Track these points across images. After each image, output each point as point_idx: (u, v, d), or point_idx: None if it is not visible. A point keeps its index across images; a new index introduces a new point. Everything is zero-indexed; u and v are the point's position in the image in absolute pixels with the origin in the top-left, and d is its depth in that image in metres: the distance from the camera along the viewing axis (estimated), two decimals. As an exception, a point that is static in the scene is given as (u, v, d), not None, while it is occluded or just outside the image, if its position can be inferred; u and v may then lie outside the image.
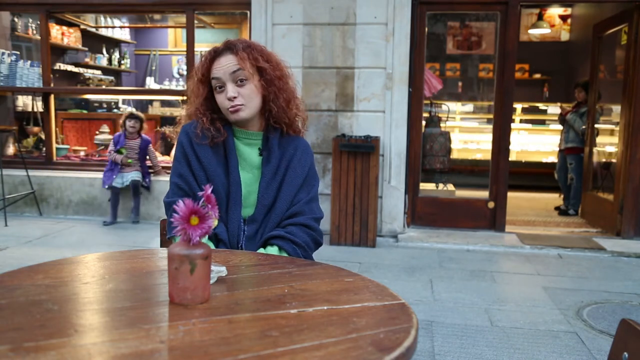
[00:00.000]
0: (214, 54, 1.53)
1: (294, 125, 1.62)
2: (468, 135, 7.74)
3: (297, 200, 1.57)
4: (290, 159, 1.59)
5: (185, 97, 1.67)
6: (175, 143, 1.63)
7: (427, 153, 5.18)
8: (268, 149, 1.58)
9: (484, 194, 5.00)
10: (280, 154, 1.58)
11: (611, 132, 5.49)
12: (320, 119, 4.70)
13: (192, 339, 0.81)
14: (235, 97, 1.49)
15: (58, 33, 6.78)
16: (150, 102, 7.63)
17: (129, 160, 5.04)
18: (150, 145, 5.29)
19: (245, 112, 1.52)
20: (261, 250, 1.51)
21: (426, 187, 5.30)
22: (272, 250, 1.50)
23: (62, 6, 5.62)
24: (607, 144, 5.50)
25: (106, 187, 5.02)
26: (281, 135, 1.61)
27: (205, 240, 1.10)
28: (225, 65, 1.50)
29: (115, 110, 6.69)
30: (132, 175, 5.02)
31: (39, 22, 5.74)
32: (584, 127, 5.65)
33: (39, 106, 5.75)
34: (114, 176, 4.99)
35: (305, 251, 1.54)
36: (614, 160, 5.10)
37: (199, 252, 0.95)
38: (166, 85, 8.12)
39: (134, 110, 5.26)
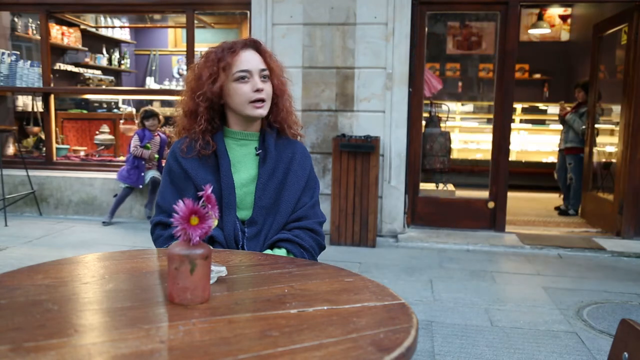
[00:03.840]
0: (242, 47, 1.53)
1: (293, 128, 1.65)
2: (468, 135, 7.74)
3: (302, 204, 1.58)
4: (289, 162, 1.59)
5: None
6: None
7: (427, 153, 5.18)
8: (265, 148, 1.58)
9: (484, 194, 5.00)
10: (277, 155, 1.58)
11: (611, 132, 5.49)
12: (320, 119, 4.70)
13: (192, 339, 0.81)
14: (262, 90, 1.51)
15: (58, 33, 6.78)
16: (150, 102, 7.63)
17: (156, 156, 5.03)
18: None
19: (265, 109, 1.54)
20: (267, 252, 1.51)
21: (426, 187, 5.30)
22: (280, 252, 1.50)
23: (62, 6, 5.62)
24: (607, 144, 5.50)
25: (125, 185, 4.96)
26: (278, 136, 1.62)
27: None
28: (253, 60, 1.52)
29: (115, 110, 6.69)
30: (152, 173, 5.02)
31: (39, 22, 5.74)
32: (583, 127, 5.65)
33: (39, 106, 5.75)
34: (142, 177, 4.97)
35: (312, 255, 1.55)
36: (614, 160, 5.10)
37: (199, 252, 0.95)
38: (166, 85, 8.12)
39: (147, 107, 5.17)
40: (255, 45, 1.56)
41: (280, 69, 1.60)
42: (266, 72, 1.54)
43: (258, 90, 1.50)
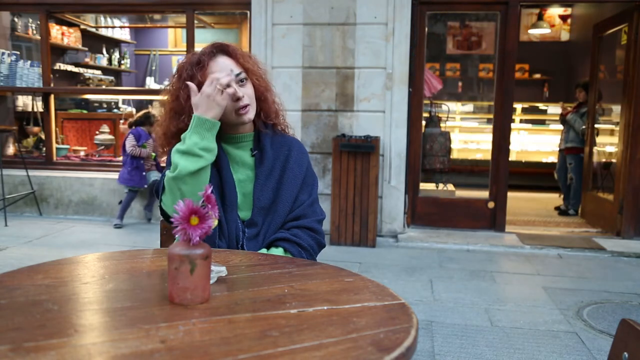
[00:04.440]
0: (210, 58, 1.48)
1: (279, 119, 1.62)
2: (468, 135, 7.74)
3: (300, 202, 1.56)
4: (285, 160, 1.57)
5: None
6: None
7: (427, 153, 5.18)
8: (260, 149, 1.56)
9: (484, 194, 5.00)
10: (273, 154, 1.56)
11: (611, 132, 5.49)
12: (320, 119, 4.70)
13: (192, 339, 0.81)
14: (243, 96, 1.47)
15: (58, 33, 6.78)
16: (150, 102, 7.63)
17: (153, 155, 4.99)
18: None
19: (251, 112, 1.50)
20: (263, 251, 1.51)
21: (426, 187, 5.31)
22: (277, 251, 1.49)
23: (62, 6, 5.62)
24: (607, 144, 5.50)
25: (131, 188, 4.94)
26: (273, 133, 1.60)
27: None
28: (226, 67, 1.47)
29: (115, 110, 6.69)
30: (153, 174, 5.01)
31: (39, 22, 5.75)
32: (584, 127, 5.66)
33: (39, 106, 5.75)
34: (145, 176, 4.95)
35: (310, 254, 1.53)
36: (614, 160, 5.10)
37: (199, 252, 0.95)
38: (166, 85, 8.11)
39: (150, 112, 5.15)
40: (224, 50, 1.50)
41: (256, 65, 1.55)
42: (243, 75, 1.49)
43: (238, 99, 1.46)
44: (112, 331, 0.85)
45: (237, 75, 1.47)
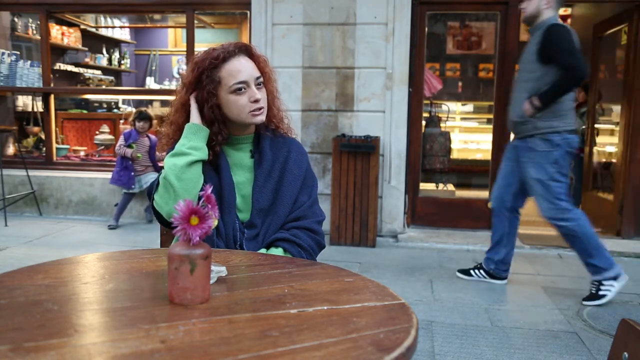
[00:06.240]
0: (235, 55, 1.49)
1: (283, 122, 1.64)
2: (468, 135, 7.74)
3: (300, 203, 1.56)
4: (285, 161, 1.57)
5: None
6: None
7: (427, 153, 5.18)
8: (259, 151, 1.56)
9: (484, 194, 5.00)
10: (273, 155, 1.57)
11: (611, 132, 5.49)
12: (320, 119, 4.70)
13: (192, 339, 0.81)
14: (260, 99, 1.49)
15: (58, 33, 6.78)
16: (150, 102, 7.64)
17: (139, 155, 4.95)
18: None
19: (263, 115, 1.52)
20: (263, 251, 1.51)
21: (426, 187, 5.31)
22: (277, 252, 1.50)
23: (62, 6, 5.62)
24: (607, 144, 5.50)
25: (125, 190, 4.93)
26: (273, 135, 1.61)
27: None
28: (248, 68, 1.49)
29: (115, 110, 6.69)
30: (152, 176, 4.97)
31: (39, 22, 5.75)
32: (583, 127, 5.66)
33: (39, 106, 5.75)
34: (133, 177, 4.93)
35: (310, 255, 1.54)
36: (614, 160, 5.10)
37: (199, 252, 0.95)
38: (166, 85, 8.12)
39: (143, 109, 5.13)
40: (248, 51, 1.52)
41: (272, 71, 1.59)
42: (261, 79, 1.52)
43: (256, 101, 1.49)
44: (112, 331, 0.85)
45: (257, 78, 1.50)
